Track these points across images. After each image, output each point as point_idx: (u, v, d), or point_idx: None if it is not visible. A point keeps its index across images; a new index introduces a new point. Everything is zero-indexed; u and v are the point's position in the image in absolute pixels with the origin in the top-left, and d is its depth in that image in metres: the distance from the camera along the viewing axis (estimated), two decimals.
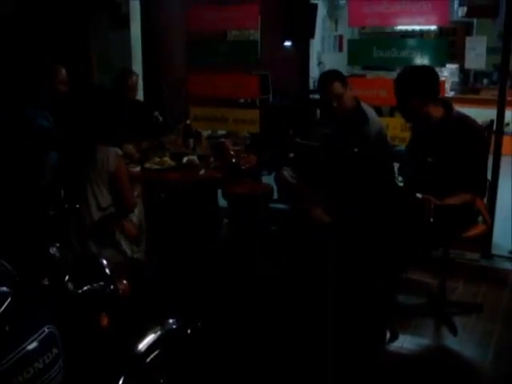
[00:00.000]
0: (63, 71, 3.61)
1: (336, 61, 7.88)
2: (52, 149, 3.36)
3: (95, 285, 1.73)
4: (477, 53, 4.07)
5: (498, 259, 4.13)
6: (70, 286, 1.66)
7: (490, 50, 4.35)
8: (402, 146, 4.02)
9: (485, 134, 3.25)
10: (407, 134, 3.81)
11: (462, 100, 7.14)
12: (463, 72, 8.24)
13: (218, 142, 4.21)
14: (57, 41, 4.53)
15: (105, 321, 1.75)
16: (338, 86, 3.47)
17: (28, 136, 3.38)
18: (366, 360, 2.96)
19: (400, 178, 3.48)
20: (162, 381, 2.03)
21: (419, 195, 2.82)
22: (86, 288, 1.70)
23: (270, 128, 5.11)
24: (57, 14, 4.53)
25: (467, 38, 4.14)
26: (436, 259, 3.52)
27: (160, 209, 3.90)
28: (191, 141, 4.14)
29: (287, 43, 7.90)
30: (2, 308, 1.55)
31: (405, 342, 3.17)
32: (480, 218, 3.21)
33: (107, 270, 1.78)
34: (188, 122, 4.35)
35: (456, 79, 8.18)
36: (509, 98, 4.07)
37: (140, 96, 4.97)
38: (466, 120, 3.09)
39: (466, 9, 7.90)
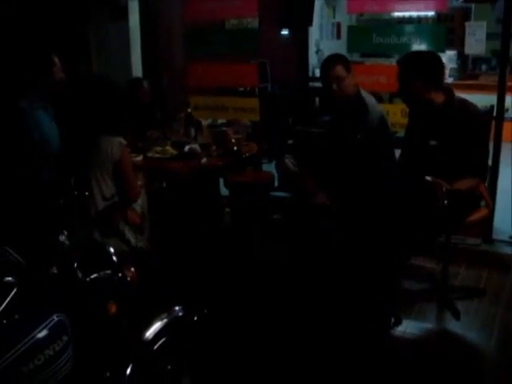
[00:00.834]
0: (56, 60, 3.58)
1: (334, 48, 7.83)
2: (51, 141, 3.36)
3: (103, 273, 1.74)
4: (476, 38, 4.05)
5: (499, 244, 4.16)
6: (79, 274, 1.67)
7: (488, 36, 4.32)
8: (403, 133, 4.04)
9: (486, 119, 3.25)
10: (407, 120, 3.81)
11: (461, 86, 7.13)
12: (461, 58, 8.22)
13: (220, 131, 4.21)
14: (56, 33, 4.51)
15: (113, 308, 1.76)
16: (340, 69, 3.45)
17: (22, 129, 3.36)
18: (370, 345, 2.98)
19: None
20: (169, 367, 2.05)
21: (429, 178, 2.82)
22: (94, 276, 1.71)
23: (269, 116, 5.10)
24: (56, 5, 4.51)
25: (467, 24, 4.12)
26: (438, 245, 3.54)
27: (162, 198, 3.91)
28: (192, 130, 4.14)
29: (285, 31, 7.88)
30: (8, 298, 1.56)
31: (408, 327, 3.19)
32: (482, 203, 3.23)
33: (115, 258, 1.79)
34: (189, 110, 4.35)
35: (454, 65, 8.16)
36: (509, 84, 4.07)
37: None
38: (468, 105, 3.09)
39: None
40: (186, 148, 3.81)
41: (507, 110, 5.22)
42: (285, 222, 4.29)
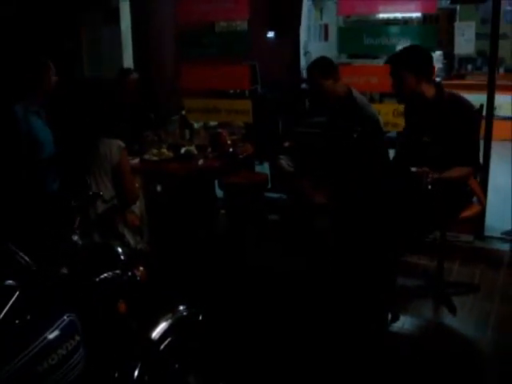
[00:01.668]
0: (51, 65, 3.60)
1: (322, 50, 7.89)
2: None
3: (112, 273, 1.75)
4: (466, 38, 4.12)
5: (491, 240, 4.22)
6: (89, 274, 1.68)
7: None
8: (394, 132, 4.10)
9: (476, 112, 3.30)
10: (399, 120, 3.87)
11: (448, 86, 7.15)
12: (447, 58, 8.32)
13: (215, 132, 4.23)
14: (47, 36, 4.51)
15: (122, 307, 1.78)
16: (319, 75, 3.49)
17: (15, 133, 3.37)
18: (368, 342, 3.01)
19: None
20: (176, 366, 2.07)
21: (414, 169, 2.86)
22: (103, 276, 1.73)
23: (259, 119, 5.13)
24: (47, 9, 4.51)
25: (456, 24, 4.20)
26: (431, 242, 3.60)
27: (159, 200, 3.92)
28: (187, 132, 4.16)
29: (274, 33, 7.92)
30: (11, 301, 1.58)
31: (405, 323, 3.23)
32: (475, 199, 3.28)
33: (123, 258, 1.81)
34: (183, 113, 4.37)
35: (440, 66, 8.26)
36: (497, 83, 4.13)
37: None
38: (459, 98, 3.16)
39: None
40: (183, 150, 3.83)
41: (495, 108, 5.32)
42: (280, 222, 4.32)
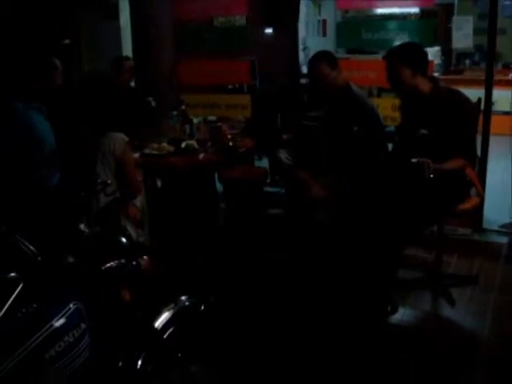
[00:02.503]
0: (58, 64, 3.63)
1: (320, 45, 7.90)
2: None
3: (118, 262, 1.78)
4: (464, 32, 4.15)
5: (490, 233, 4.24)
6: (95, 263, 1.71)
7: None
8: (392, 127, 4.12)
9: (472, 104, 3.33)
10: (398, 114, 3.89)
11: (446, 81, 7.18)
12: (445, 54, 8.34)
13: (215, 126, 4.25)
14: (47, 32, 4.53)
15: (127, 296, 1.81)
16: (325, 67, 3.52)
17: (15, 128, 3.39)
18: (368, 333, 3.04)
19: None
20: (179, 355, 2.10)
21: (414, 160, 2.90)
22: (109, 265, 1.76)
23: (258, 113, 5.15)
24: (46, 4, 4.53)
25: (454, 18, 4.23)
26: (430, 235, 3.63)
27: (159, 193, 3.95)
28: (187, 126, 4.19)
29: (272, 29, 7.92)
30: (16, 293, 1.61)
31: (404, 315, 3.27)
32: (473, 191, 3.31)
33: (128, 248, 1.83)
34: (183, 108, 4.39)
35: (439, 61, 8.28)
36: (495, 78, 4.16)
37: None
38: (454, 92, 3.22)
39: None
40: (183, 144, 3.85)
41: (493, 103, 5.35)
42: (279, 216, 4.35)
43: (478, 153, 3.77)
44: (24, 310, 1.58)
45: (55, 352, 1.56)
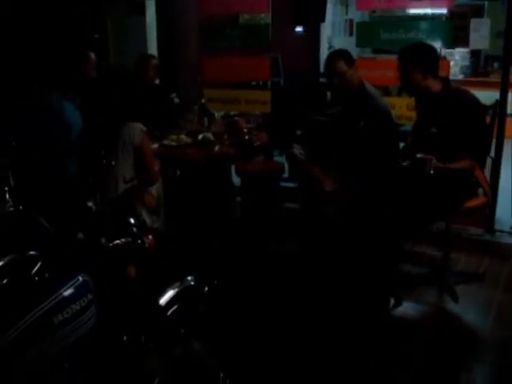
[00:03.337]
0: (94, 58, 3.83)
1: (346, 45, 7.93)
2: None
3: (125, 239, 1.92)
4: (481, 34, 4.18)
5: (501, 234, 4.28)
6: (103, 240, 1.86)
7: (500, 34, 4.40)
8: (409, 126, 4.18)
9: (482, 105, 3.38)
10: (413, 113, 3.96)
11: (472, 83, 7.20)
12: (474, 56, 8.32)
13: (232, 120, 4.38)
14: (75, 27, 4.71)
15: (132, 271, 1.95)
16: (341, 65, 3.61)
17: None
18: (370, 324, 3.13)
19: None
20: (182, 331, 2.23)
21: (419, 155, 2.97)
22: (116, 242, 1.90)
23: (281, 111, 5.25)
24: (75, 1, 4.72)
25: (472, 20, 4.23)
26: (440, 233, 3.69)
27: (176, 184, 4.09)
28: (205, 119, 4.33)
29: (298, 28, 8.02)
30: (35, 269, 1.77)
31: (408, 309, 3.35)
32: (480, 190, 3.37)
33: (135, 228, 1.97)
34: (203, 101, 4.53)
35: (467, 63, 8.27)
36: None
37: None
38: (463, 92, 3.29)
39: None
40: (200, 136, 3.99)
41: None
42: (293, 210, 4.45)
43: (492, 154, 3.84)
44: (37, 279, 1.74)
45: (63, 318, 1.70)
